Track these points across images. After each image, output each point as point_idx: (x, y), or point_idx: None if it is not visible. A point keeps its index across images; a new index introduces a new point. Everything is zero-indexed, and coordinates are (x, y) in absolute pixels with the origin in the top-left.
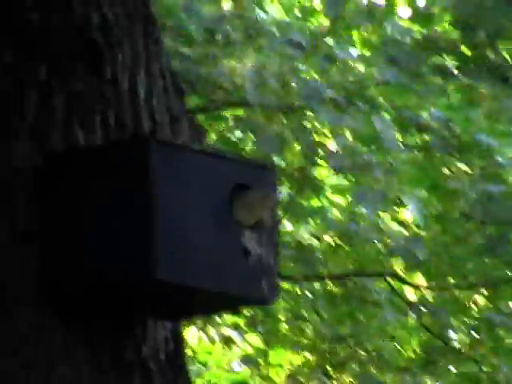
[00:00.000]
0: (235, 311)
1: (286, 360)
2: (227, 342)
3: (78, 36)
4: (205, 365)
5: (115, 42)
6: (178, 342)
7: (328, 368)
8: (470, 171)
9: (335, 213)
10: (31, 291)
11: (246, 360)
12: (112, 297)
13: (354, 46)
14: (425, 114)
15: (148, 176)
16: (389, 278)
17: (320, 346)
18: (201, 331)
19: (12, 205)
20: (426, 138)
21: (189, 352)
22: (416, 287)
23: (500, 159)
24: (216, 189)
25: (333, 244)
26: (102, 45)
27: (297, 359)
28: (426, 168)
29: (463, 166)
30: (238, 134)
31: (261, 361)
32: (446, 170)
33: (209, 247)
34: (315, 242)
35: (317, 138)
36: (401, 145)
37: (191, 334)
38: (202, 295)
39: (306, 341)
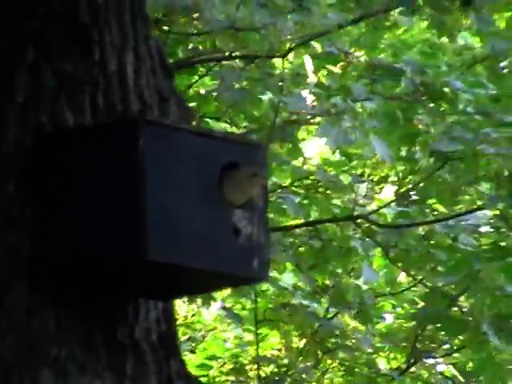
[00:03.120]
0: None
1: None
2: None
3: (66, 18)
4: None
5: (103, 23)
6: (170, 321)
7: (318, 353)
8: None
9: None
10: (22, 274)
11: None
12: (102, 278)
13: None
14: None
15: (137, 156)
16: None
17: (307, 331)
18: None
19: (2, 186)
20: (397, 87)
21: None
22: (388, 227)
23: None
24: (206, 168)
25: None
26: (90, 26)
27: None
28: (397, 118)
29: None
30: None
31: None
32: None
33: (199, 226)
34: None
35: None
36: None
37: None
38: (193, 274)
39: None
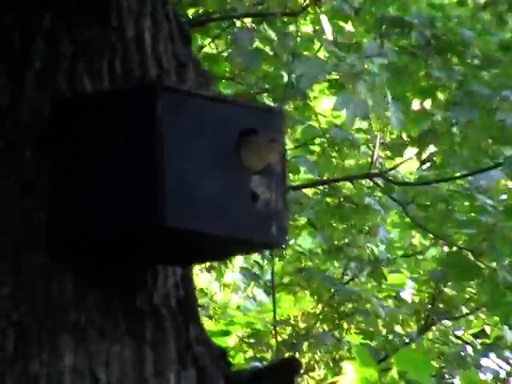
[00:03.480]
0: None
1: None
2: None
3: None
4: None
5: None
6: (189, 287)
7: (335, 318)
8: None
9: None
10: (41, 241)
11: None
12: (120, 245)
13: None
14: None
15: (155, 122)
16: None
17: (325, 295)
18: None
19: (19, 154)
20: (408, 40)
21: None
22: (405, 184)
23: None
24: (223, 134)
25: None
26: None
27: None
28: (410, 72)
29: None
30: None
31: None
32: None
33: (217, 192)
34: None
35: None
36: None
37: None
38: (211, 240)
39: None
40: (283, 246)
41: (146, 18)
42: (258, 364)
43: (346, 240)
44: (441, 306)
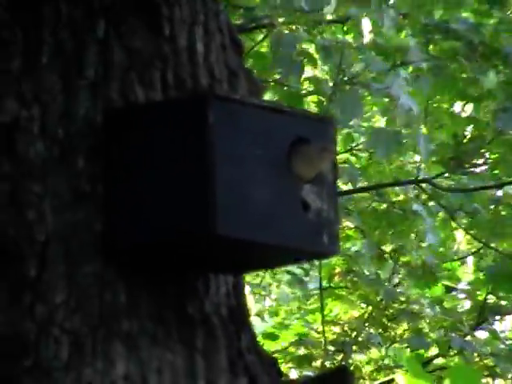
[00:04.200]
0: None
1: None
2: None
3: None
4: None
5: None
6: (240, 296)
7: (384, 321)
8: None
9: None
10: (94, 250)
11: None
12: (172, 254)
13: None
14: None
15: (206, 131)
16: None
17: (374, 298)
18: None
19: (72, 164)
20: (451, 44)
21: None
22: (453, 191)
23: None
24: (275, 142)
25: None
26: (160, 2)
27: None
28: (453, 76)
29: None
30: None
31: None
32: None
33: (268, 201)
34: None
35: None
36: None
37: None
38: (262, 249)
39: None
40: (335, 255)
41: (199, 28)
42: (309, 374)
43: (393, 245)
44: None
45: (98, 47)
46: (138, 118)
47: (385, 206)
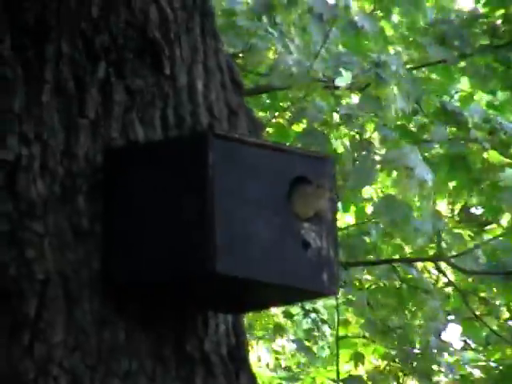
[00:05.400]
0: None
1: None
2: (278, 331)
3: (136, 33)
4: None
5: (173, 37)
6: (239, 335)
7: (399, 374)
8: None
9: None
10: (93, 288)
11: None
12: (172, 290)
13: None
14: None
15: (207, 170)
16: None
17: (390, 352)
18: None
19: (72, 202)
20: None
21: None
22: (464, 271)
23: None
24: (274, 181)
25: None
26: (160, 41)
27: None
28: (464, 159)
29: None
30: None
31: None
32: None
33: (268, 240)
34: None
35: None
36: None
37: None
38: (261, 288)
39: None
40: (334, 295)
41: (198, 67)
42: None
43: (398, 322)
44: None
45: (99, 87)
46: (138, 157)
47: (396, 282)
